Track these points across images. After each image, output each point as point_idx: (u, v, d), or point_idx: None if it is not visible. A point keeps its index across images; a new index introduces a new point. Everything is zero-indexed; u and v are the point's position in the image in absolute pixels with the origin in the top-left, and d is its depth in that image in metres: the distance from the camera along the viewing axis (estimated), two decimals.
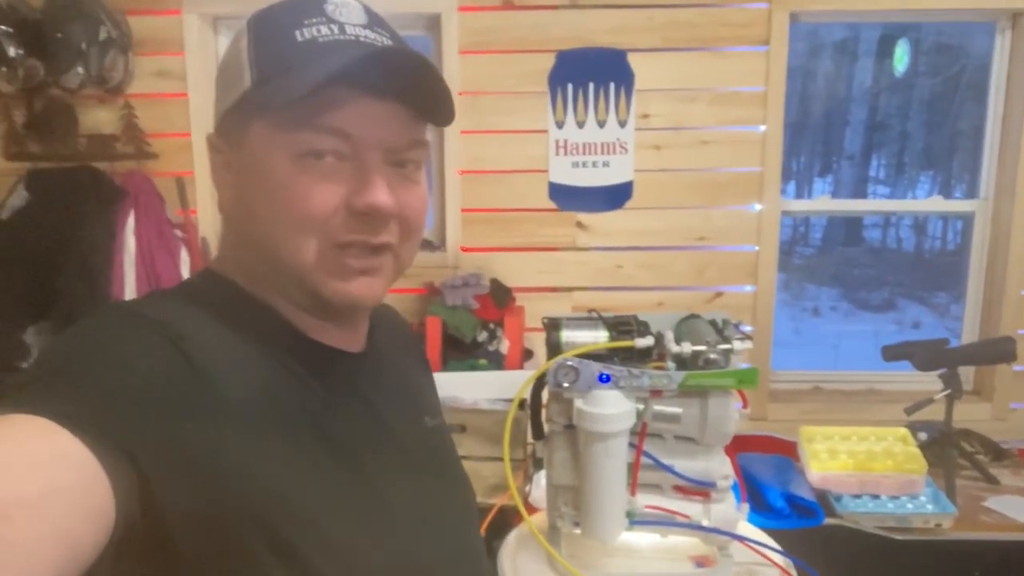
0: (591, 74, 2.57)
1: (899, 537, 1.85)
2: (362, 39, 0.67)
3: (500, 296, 2.50)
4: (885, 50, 8.68)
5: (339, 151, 0.66)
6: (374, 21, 0.70)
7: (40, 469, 0.49)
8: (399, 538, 0.70)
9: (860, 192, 10.32)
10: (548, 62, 2.58)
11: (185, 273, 2.45)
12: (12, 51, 2.34)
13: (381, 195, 0.66)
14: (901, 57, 8.14)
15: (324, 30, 0.66)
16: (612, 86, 2.57)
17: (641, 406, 0.99)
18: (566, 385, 0.99)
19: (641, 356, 1.01)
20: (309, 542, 0.61)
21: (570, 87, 2.58)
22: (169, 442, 0.56)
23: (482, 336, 2.40)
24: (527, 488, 1.99)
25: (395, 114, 0.68)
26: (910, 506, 1.88)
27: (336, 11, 0.67)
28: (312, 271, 0.67)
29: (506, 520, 1.55)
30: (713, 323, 1.06)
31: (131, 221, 2.40)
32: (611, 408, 0.97)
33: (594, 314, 1.06)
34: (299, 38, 0.65)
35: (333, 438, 0.68)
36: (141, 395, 0.56)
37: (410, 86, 0.67)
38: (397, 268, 0.73)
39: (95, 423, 0.52)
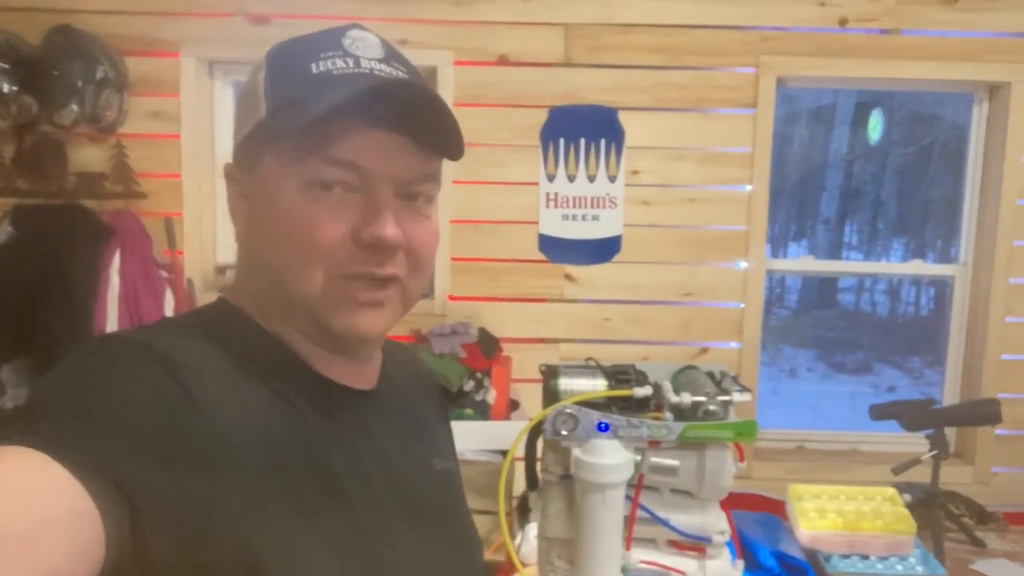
0: (582, 130, 2.62)
1: None
2: (376, 72, 0.67)
3: (488, 346, 2.49)
4: (861, 118, 8.95)
5: (348, 183, 0.66)
6: (391, 55, 0.70)
7: (29, 502, 0.48)
8: None
9: (834, 256, 10.51)
10: (541, 117, 2.63)
11: (169, 314, 2.41)
12: (6, 87, 2.34)
13: (388, 228, 0.66)
14: (875, 126, 8.41)
15: (339, 63, 0.67)
16: (603, 142, 2.62)
17: (639, 457, 0.97)
18: (564, 433, 0.97)
19: (639, 406, 1.00)
20: None
21: (562, 142, 2.62)
22: (162, 478, 0.55)
23: (469, 385, 2.37)
24: (516, 541, 1.94)
25: (405, 147, 0.68)
26: (900, 567, 1.86)
27: (353, 45, 0.68)
28: (318, 302, 0.67)
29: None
30: (711, 375, 1.05)
31: (117, 260, 2.38)
32: (610, 458, 0.95)
33: (592, 362, 1.05)
34: (314, 70, 0.66)
35: (332, 478, 0.67)
36: (136, 429, 0.55)
37: (417, 119, 0.67)
38: (405, 301, 0.72)
39: (87, 456, 0.51)
